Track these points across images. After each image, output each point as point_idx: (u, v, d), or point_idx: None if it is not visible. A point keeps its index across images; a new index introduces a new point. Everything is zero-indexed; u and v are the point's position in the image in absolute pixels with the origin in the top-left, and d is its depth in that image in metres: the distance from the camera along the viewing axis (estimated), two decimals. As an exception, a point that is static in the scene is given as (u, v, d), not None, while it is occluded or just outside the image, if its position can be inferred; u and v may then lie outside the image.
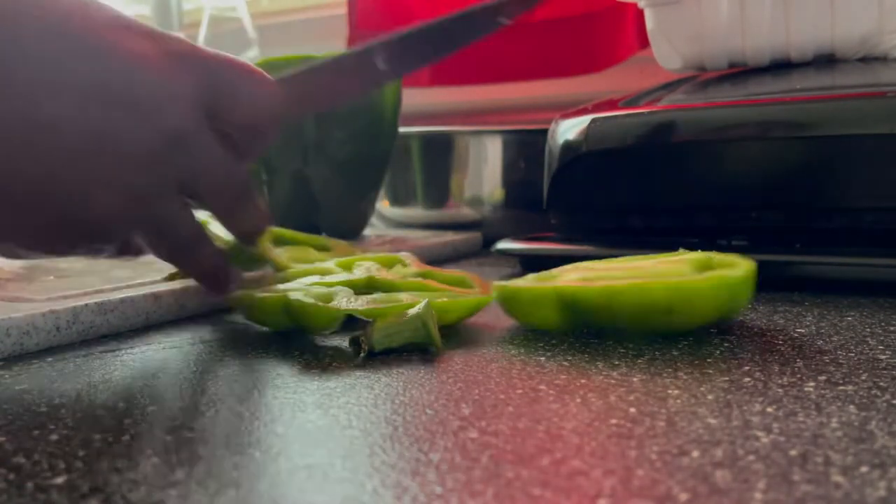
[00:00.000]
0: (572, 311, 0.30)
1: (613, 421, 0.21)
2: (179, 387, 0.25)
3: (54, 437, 0.21)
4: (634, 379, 0.25)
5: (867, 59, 0.50)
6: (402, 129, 0.62)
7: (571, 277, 0.32)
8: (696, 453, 0.19)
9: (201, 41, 0.99)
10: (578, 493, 0.17)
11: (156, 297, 0.35)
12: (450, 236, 0.59)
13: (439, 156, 0.66)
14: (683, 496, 0.16)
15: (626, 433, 0.20)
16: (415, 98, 0.91)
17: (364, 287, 0.34)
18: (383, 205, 0.70)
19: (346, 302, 0.31)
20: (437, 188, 0.66)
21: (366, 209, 0.58)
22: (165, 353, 0.30)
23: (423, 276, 0.36)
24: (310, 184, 0.55)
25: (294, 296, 0.31)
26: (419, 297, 0.32)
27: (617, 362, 0.27)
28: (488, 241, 0.60)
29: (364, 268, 0.35)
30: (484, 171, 0.65)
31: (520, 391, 0.24)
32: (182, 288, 0.37)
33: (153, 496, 0.17)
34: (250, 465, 0.19)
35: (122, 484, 0.18)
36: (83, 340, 0.32)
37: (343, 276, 0.35)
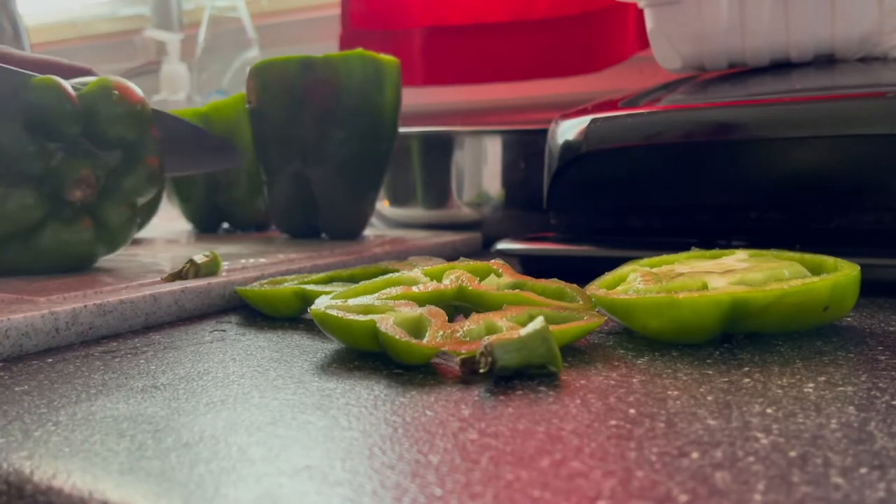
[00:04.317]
0: (732, 317, 0.29)
1: (613, 422, 0.21)
2: (179, 388, 0.25)
3: (55, 438, 0.21)
4: (634, 380, 0.25)
5: (867, 59, 0.50)
6: (402, 129, 0.62)
7: (683, 284, 0.30)
8: (695, 454, 0.19)
9: (201, 41, 0.99)
10: (578, 495, 0.17)
11: (155, 298, 0.36)
12: (450, 236, 0.59)
13: (439, 156, 0.66)
14: (683, 497, 0.16)
15: (626, 434, 0.20)
16: (415, 98, 0.91)
17: (454, 298, 0.32)
18: (383, 205, 0.70)
19: (442, 335, 0.28)
20: (437, 188, 0.66)
21: (366, 209, 0.58)
22: (164, 354, 0.30)
23: (519, 286, 0.33)
24: (310, 184, 0.55)
25: (384, 327, 0.27)
26: (519, 318, 0.29)
27: (616, 363, 0.27)
28: (488, 241, 0.60)
29: (454, 277, 0.33)
30: (484, 171, 0.65)
31: (519, 392, 0.24)
32: (181, 289, 0.37)
33: (150, 499, 0.17)
34: (250, 466, 0.19)
35: (121, 486, 0.18)
36: (83, 342, 0.32)
37: (432, 286, 0.32)
